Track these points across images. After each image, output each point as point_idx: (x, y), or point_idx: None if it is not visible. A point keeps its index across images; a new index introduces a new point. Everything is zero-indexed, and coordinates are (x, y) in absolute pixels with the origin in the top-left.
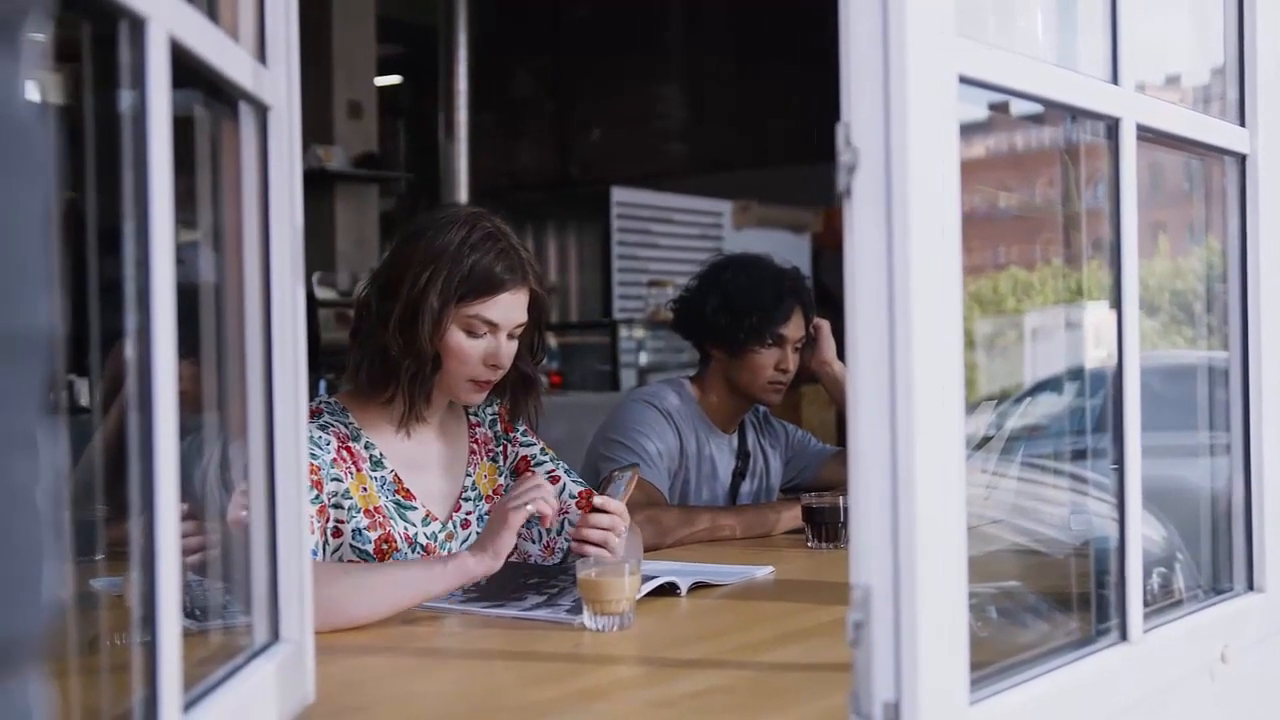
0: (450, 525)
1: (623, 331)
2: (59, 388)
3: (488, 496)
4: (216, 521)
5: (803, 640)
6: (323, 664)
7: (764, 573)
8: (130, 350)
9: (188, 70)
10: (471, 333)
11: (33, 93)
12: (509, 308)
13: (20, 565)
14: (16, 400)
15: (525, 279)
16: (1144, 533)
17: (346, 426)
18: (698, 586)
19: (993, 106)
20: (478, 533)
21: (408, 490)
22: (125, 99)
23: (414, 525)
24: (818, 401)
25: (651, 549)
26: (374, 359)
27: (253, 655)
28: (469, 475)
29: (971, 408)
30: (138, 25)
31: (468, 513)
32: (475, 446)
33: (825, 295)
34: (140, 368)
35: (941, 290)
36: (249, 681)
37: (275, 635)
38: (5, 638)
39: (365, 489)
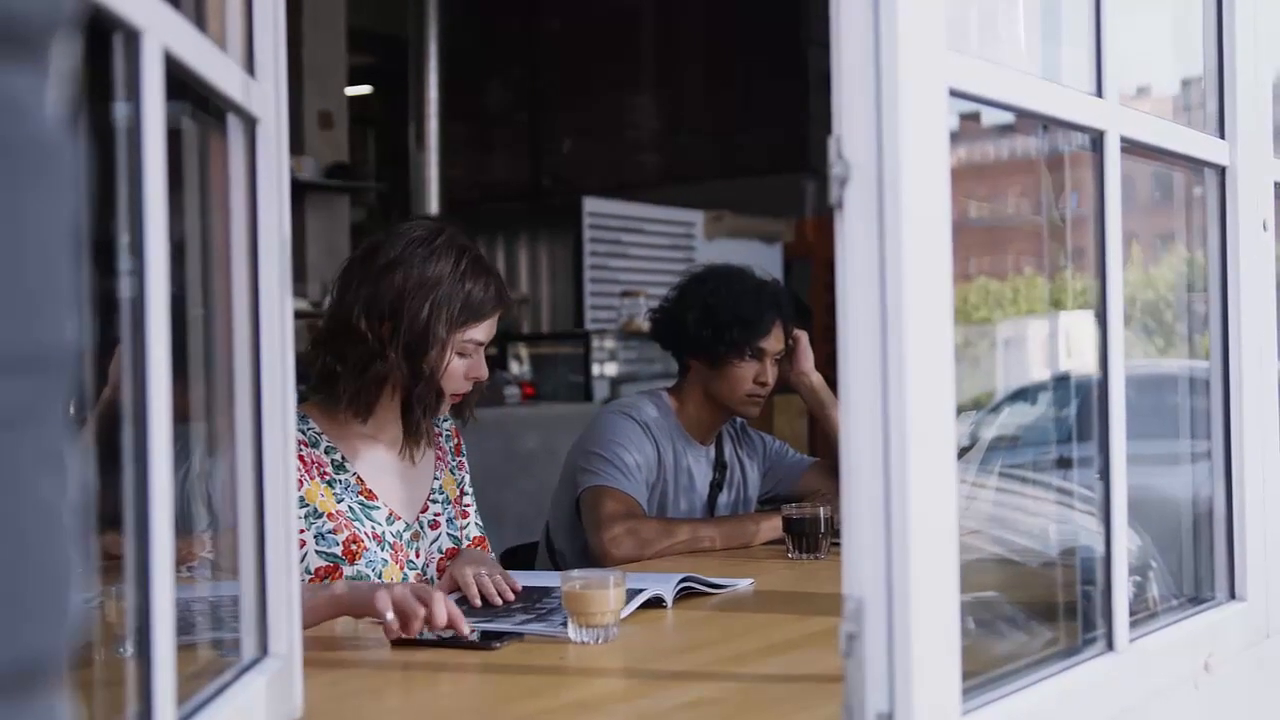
0: (417, 525)
1: (595, 342)
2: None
3: (453, 501)
4: (200, 534)
5: (789, 651)
6: (311, 679)
7: (745, 585)
8: (123, 362)
9: (178, 82)
10: (463, 354)
11: (59, 109)
12: (493, 326)
13: (49, 583)
14: (44, 418)
15: (505, 300)
16: None
17: (305, 433)
18: (685, 594)
19: (964, 116)
20: (448, 534)
21: (370, 491)
22: (119, 110)
23: (379, 524)
24: (789, 411)
25: (632, 561)
26: (372, 384)
27: (242, 670)
28: (436, 479)
29: None
30: (132, 38)
31: (436, 514)
32: (440, 453)
33: (796, 305)
34: (134, 380)
35: (934, 301)
36: (239, 697)
37: (264, 650)
38: (35, 655)
39: (324, 494)
